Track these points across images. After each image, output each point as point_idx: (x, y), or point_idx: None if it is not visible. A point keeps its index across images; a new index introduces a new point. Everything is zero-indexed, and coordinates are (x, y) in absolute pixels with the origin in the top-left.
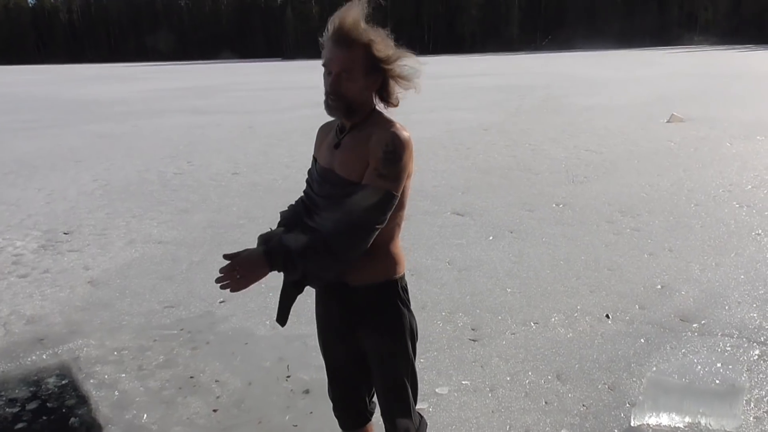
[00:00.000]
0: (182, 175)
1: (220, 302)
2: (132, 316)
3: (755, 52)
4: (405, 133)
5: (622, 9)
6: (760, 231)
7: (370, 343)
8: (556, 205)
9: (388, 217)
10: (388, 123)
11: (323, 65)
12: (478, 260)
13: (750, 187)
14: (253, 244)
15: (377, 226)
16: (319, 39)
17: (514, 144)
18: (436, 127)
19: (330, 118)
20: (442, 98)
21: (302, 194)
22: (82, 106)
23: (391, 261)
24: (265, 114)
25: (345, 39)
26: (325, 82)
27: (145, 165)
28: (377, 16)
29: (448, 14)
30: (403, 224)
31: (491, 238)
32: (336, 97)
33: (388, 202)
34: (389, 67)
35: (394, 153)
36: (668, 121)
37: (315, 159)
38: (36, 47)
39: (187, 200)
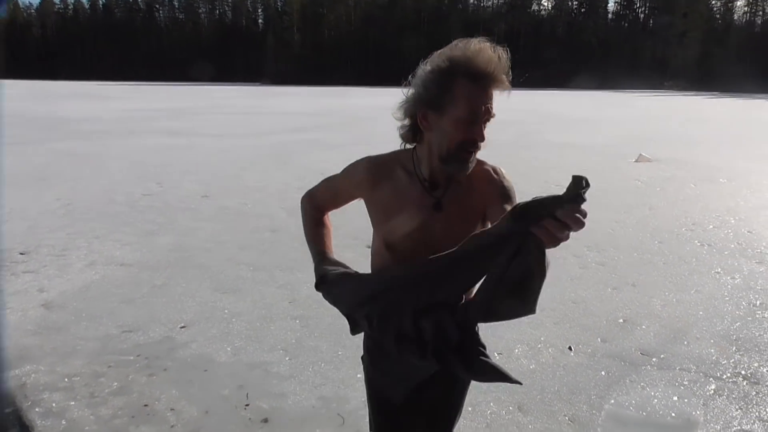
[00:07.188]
0: (151, 197)
1: (181, 327)
2: (87, 340)
3: (721, 99)
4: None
5: (597, 51)
6: (719, 269)
7: (430, 385)
8: None
9: None
10: (479, 162)
11: (472, 112)
12: None
13: (711, 227)
14: (218, 267)
15: None
16: (444, 81)
17: None
18: None
19: (371, 154)
20: None
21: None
22: (51, 123)
23: None
24: (239, 138)
25: (503, 79)
26: (461, 132)
27: (113, 185)
28: (360, 59)
29: (422, 49)
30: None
31: None
32: (477, 148)
33: None
34: None
35: (509, 183)
36: (636, 161)
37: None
38: (6, 62)
39: (153, 222)
